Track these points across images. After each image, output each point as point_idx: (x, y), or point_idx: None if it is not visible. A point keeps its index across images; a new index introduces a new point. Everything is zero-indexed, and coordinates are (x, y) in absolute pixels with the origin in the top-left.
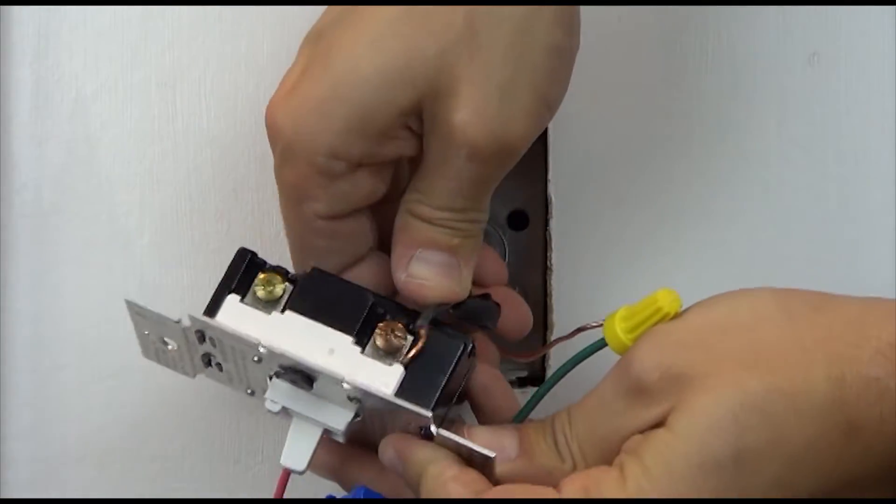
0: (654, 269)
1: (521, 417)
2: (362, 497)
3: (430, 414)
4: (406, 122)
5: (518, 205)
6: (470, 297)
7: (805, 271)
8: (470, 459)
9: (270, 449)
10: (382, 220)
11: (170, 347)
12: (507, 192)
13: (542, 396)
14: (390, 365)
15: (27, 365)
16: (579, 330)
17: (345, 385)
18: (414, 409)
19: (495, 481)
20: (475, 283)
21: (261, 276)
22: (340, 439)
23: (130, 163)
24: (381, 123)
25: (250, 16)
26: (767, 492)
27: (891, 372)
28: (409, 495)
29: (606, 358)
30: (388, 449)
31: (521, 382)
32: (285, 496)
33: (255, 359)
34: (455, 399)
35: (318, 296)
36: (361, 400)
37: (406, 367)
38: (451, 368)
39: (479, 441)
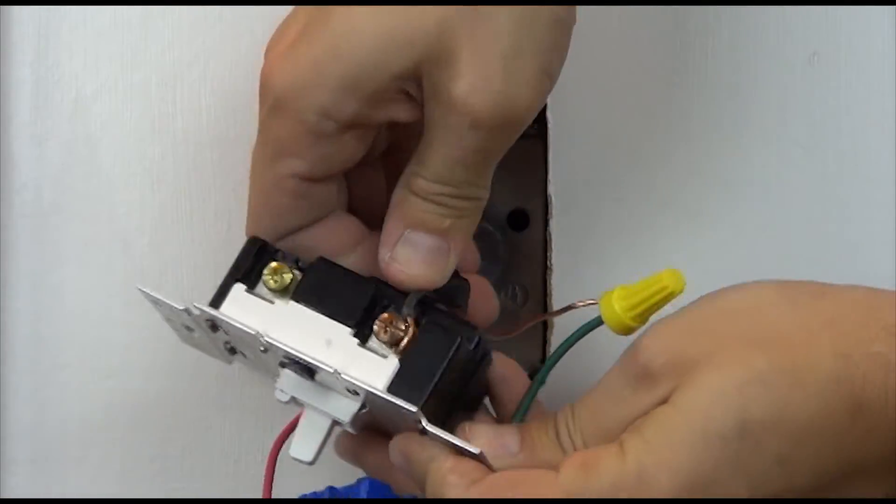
0: (654, 269)
1: (525, 405)
2: (367, 488)
3: (415, 409)
4: (402, 86)
5: (518, 205)
6: None
7: (805, 271)
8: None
9: (270, 448)
10: (352, 183)
11: (195, 334)
12: (507, 192)
13: (542, 381)
14: (386, 358)
15: (27, 365)
16: (568, 308)
17: (338, 378)
18: (401, 404)
19: None
20: None
21: (271, 265)
22: (350, 430)
23: (130, 163)
24: (376, 85)
25: (250, 16)
26: (769, 468)
27: None
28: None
29: (605, 354)
30: (395, 451)
31: None
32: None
33: (262, 349)
34: (466, 394)
35: (322, 286)
36: (359, 393)
37: (401, 361)
38: (444, 363)
39: (481, 439)
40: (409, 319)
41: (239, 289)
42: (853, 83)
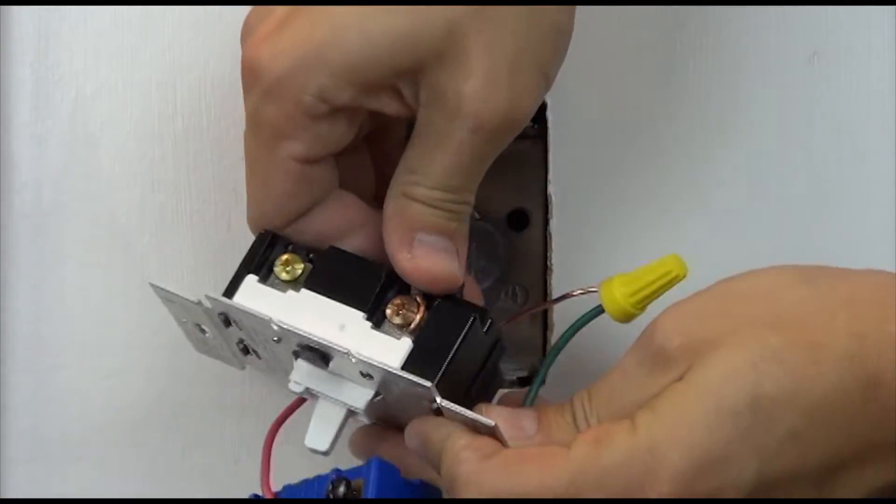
0: None
1: (534, 390)
2: (376, 467)
3: (429, 384)
4: (397, 83)
5: (518, 205)
6: None
7: None
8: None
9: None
10: (342, 166)
11: (208, 335)
12: (507, 192)
13: (549, 366)
14: (399, 339)
15: (27, 365)
16: (566, 296)
17: (352, 359)
18: (415, 379)
19: None
20: None
21: (283, 256)
22: (365, 419)
23: (130, 163)
24: (375, 77)
25: None
26: (782, 443)
27: None
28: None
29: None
30: (412, 434)
31: (521, 382)
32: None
33: (275, 339)
34: (480, 383)
35: (333, 273)
36: (373, 376)
37: (414, 341)
38: (458, 340)
39: (498, 421)
40: (419, 301)
41: (251, 280)
42: (853, 83)
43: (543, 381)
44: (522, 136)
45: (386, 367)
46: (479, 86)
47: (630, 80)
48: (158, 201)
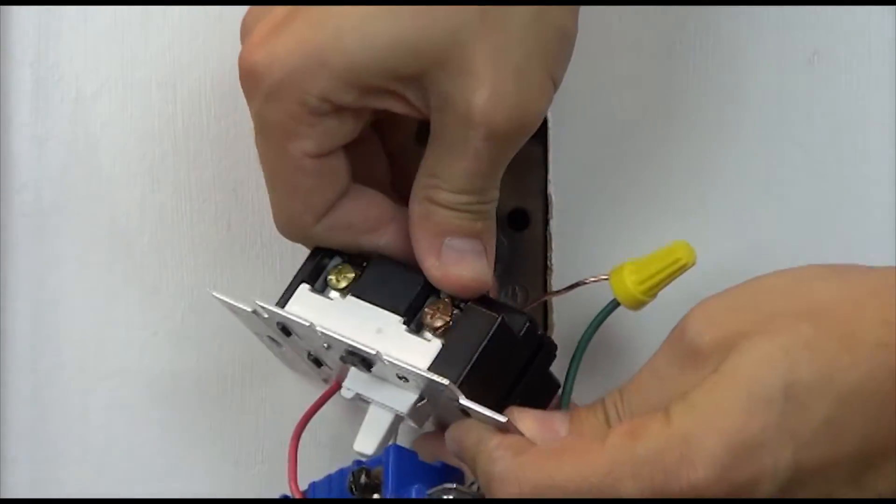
0: None
1: (565, 399)
2: (393, 453)
3: (447, 382)
4: (401, 89)
5: (518, 205)
6: None
7: None
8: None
9: (270, 449)
10: (354, 157)
11: (283, 349)
12: (507, 192)
13: (577, 367)
14: (430, 342)
15: (27, 365)
16: (577, 284)
17: (384, 361)
18: (435, 378)
19: None
20: None
21: (337, 266)
22: (411, 423)
23: (130, 163)
24: (376, 82)
25: None
26: (816, 430)
27: None
28: None
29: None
30: (449, 439)
31: None
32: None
33: (325, 345)
34: (527, 388)
35: (377, 281)
36: (408, 378)
37: (444, 344)
38: (483, 341)
39: (528, 424)
40: (451, 304)
41: (304, 288)
42: (853, 83)
43: (573, 380)
44: None
45: (410, 368)
46: (487, 95)
47: (630, 80)
48: (158, 201)
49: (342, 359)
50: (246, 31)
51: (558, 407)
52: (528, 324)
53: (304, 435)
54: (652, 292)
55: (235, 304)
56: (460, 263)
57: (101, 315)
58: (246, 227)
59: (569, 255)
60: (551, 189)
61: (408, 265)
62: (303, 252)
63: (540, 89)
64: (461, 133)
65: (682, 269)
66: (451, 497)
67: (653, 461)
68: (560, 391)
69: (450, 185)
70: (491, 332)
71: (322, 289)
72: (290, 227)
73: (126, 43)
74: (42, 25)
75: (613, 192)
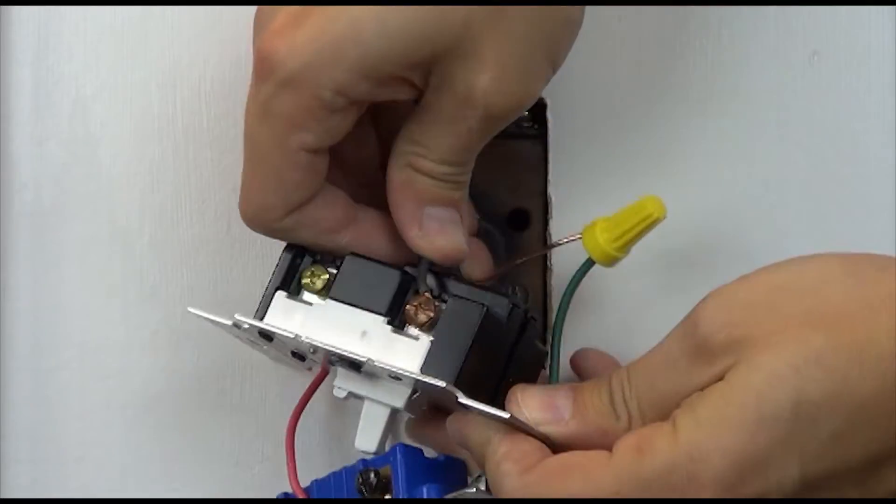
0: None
1: (554, 371)
2: (400, 452)
3: (444, 384)
4: (410, 75)
5: (518, 205)
6: None
7: None
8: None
9: (270, 449)
10: (345, 144)
11: (266, 348)
12: (507, 192)
13: (559, 339)
14: (418, 339)
15: (27, 365)
16: (551, 246)
17: (376, 366)
18: (432, 381)
19: (549, 443)
20: None
21: (309, 268)
22: (411, 415)
23: (130, 163)
24: (390, 72)
25: (250, 16)
26: (823, 445)
27: None
28: None
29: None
30: (452, 429)
31: None
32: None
33: (311, 350)
34: (518, 362)
35: (354, 280)
36: (401, 378)
37: (432, 340)
38: (473, 334)
39: (532, 403)
40: (434, 298)
41: (280, 296)
42: (853, 83)
43: (559, 354)
44: (522, 136)
45: (404, 373)
46: (491, 80)
47: (630, 81)
48: (158, 201)
49: (330, 362)
50: (260, 25)
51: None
52: (511, 306)
53: (300, 433)
54: (625, 248)
55: (214, 318)
56: (442, 233)
57: (101, 315)
58: (246, 227)
59: (569, 255)
60: (551, 189)
61: (378, 262)
62: None
63: (540, 75)
64: (457, 111)
65: (654, 224)
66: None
67: (659, 480)
68: (550, 367)
69: (435, 156)
70: (478, 323)
71: (297, 291)
72: (257, 218)
73: (126, 43)
74: (42, 25)
75: (613, 192)
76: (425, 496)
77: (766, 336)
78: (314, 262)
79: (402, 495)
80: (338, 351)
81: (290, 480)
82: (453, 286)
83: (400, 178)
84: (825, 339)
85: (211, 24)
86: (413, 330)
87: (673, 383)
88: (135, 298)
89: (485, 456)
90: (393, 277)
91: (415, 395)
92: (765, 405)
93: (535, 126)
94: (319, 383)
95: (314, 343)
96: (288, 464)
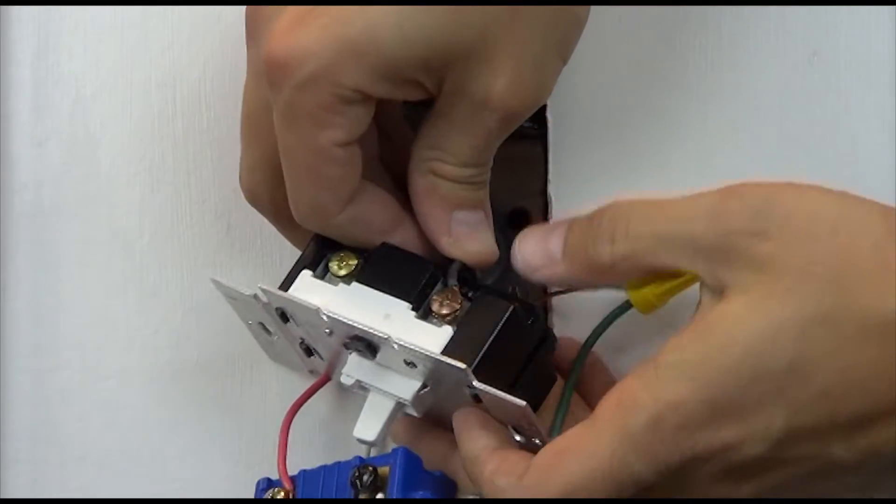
0: None
1: (567, 397)
2: (402, 456)
3: (464, 366)
4: (422, 77)
5: (518, 204)
6: None
7: None
8: (503, 413)
9: (270, 449)
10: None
11: (273, 337)
12: (507, 192)
13: (580, 365)
14: (441, 327)
15: (27, 365)
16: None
17: (394, 346)
18: (451, 362)
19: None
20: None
21: (339, 253)
22: (412, 412)
23: (130, 163)
24: (406, 75)
25: None
26: (813, 399)
27: None
28: None
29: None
30: (455, 426)
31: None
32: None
33: (327, 331)
34: (527, 380)
35: (384, 268)
36: (416, 364)
37: (455, 330)
38: (497, 328)
39: (529, 245)
40: (462, 292)
41: (306, 275)
42: (853, 83)
43: (576, 385)
44: (522, 136)
45: (424, 352)
46: (507, 83)
47: (630, 80)
48: (158, 201)
49: (345, 345)
50: (258, 24)
51: (558, 402)
52: (534, 315)
53: (298, 433)
54: (665, 300)
55: (236, 288)
56: (473, 237)
57: (101, 315)
58: (246, 227)
59: None
60: (551, 189)
61: (411, 253)
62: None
63: (554, 73)
64: (473, 114)
65: (693, 282)
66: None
67: (649, 435)
68: (565, 390)
69: (455, 159)
70: (504, 320)
71: (323, 275)
72: (314, 217)
73: (126, 43)
74: (42, 25)
75: (613, 192)
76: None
77: (783, 276)
78: (344, 248)
79: (396, 496)
80: (359, 326)
81: (278, 465)
82: (451, 276)
83: (423, 184)
84: (835, 298)
85: (211, 24)
86: (435, 319)
87: (673, 256)
88: (135, 298)
89: (472, 476)
90: (424, 268)
91: (423, 390)
92: (762, 360)
93: (535, 126)
94: (322, 384)
95: (336, 317)
96: (279, 450)
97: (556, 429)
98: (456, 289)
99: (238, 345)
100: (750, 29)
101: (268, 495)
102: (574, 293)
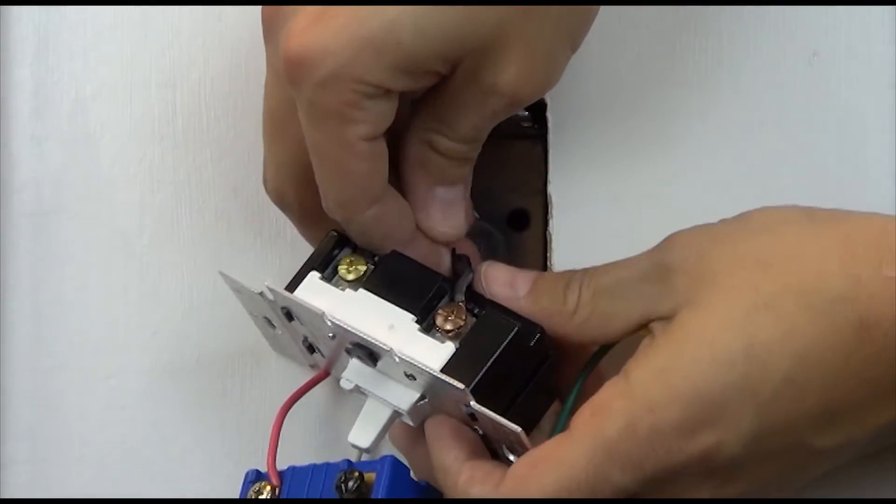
0: None
1: (562, 421)
2: (390, 464)
3: (463, 386)
4: (440, 68)
5: (518, 205)
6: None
7: None
8: (497, 433)
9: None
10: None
11: (277, 331)
12: (507, 192)
13: (577, 392)
14: (443, 343)
15: (27, 365)
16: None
17: (396, 358)
18: (451, 381)
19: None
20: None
21: (347, 257)
22: (409, 422)
23: (130, 163)
24: (424, 68)
25: (250, 16)
26: (778, 388)
27: None
28: None
29: None
30: (427, 435)
31: None
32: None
33: (330, 335)
34: (530, 395)
35: (392, 276)
36: (416, 377)
37: (457, 347)
38: (499, 349)
39: (497, 278)
40: (467, 309)
41: (314, 276)
42: (853, 83)
43: (572, 411)
44: (522, 136)
45: (424, 368)
46: (517, 73)
47: (630, 80)
48: (158, 201)
49: (348, 351)
50: (275, 24)
51: (556, 420)
52: (538, 335)
53: (297, 433)
54: None
55: (243, 283)
56: (446, 216)
57: (101, 315)
58: (246, 227)
59: (569, 255)
60: (551, 189)
61: (421, 264)
62: (304, 253)
63: (563, 62)
64: (482, 98)
65: None
66: None
67: (625, 441)
68: (561, 413)
69: (454, 134)
70: (507, 340)
71: (331, 278)
72: (343, 210)
73: (126, 43)
74: (42, 25)
75: (613, 192)
76: None
77: (722, 277)
78: (354, 252)
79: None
80: (362, 335)
81: (267, 459)
82: (485, 303)
83: (415, 154)
84: (775, 283)
85: (211, 24)
86: (438, 334)
87: (631, 292)
88: (135, 298)
89: (446, 485)
90: (432, 281)
91: (421, 402)
92: (718, 352)
93: (535, 126)
94: (321, 379)
95: (340, 324)
96: (270, 443)
97: None
98: (462, 305)
99: (238, 345)
100: (750, 29)
101: (253, 489)
102: None
